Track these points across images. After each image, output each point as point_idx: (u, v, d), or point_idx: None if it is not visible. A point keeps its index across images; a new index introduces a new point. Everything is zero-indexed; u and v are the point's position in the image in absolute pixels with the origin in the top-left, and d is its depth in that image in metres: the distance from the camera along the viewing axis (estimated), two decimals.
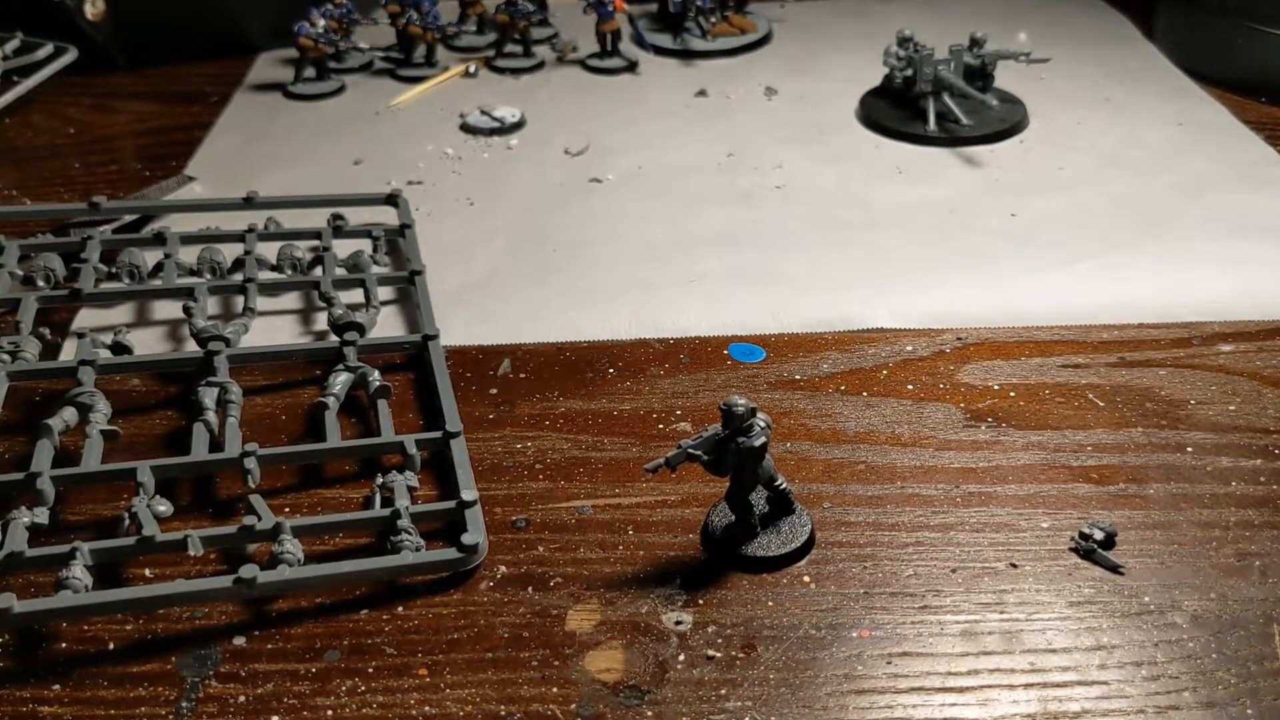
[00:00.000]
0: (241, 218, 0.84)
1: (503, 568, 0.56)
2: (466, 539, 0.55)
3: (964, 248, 0.83)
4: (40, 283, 0.77)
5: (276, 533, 0.56)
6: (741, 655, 0.51)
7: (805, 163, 0.96)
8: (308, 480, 0.62)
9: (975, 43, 1.00)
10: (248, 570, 0.53)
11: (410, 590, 0.55)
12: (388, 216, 0.86)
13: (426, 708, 0.49)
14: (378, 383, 0.67)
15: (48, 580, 0.55)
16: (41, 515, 0.58)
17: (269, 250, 0.80)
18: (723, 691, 0.50)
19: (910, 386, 0.69)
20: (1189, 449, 0.63)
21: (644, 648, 0.52)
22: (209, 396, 0.65)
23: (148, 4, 1.14)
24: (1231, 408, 0.66)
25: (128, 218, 0.86)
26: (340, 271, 0.79)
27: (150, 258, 0.79)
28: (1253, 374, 0.69)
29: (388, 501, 0.59)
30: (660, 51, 1.18)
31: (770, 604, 0.54)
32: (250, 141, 1.01)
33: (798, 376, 0.70)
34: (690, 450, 0.54)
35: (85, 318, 0.76)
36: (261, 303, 0.76)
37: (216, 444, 0.63)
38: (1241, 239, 0.83)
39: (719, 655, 0.51)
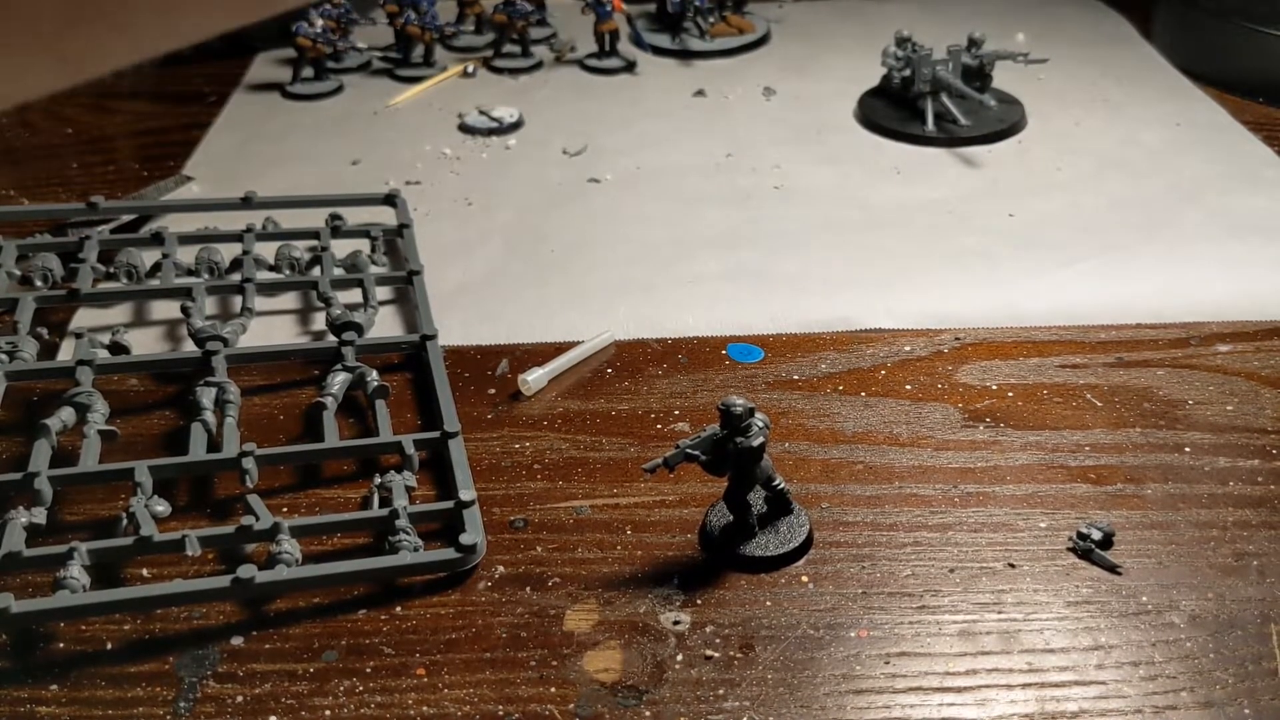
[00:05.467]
0: (239, 218, 0.84)
1: (501, 568, 0.56)
2: (464, 539, 0.55)
3: (962, 248, 0.83)
4: (38, 283, 0.77)
5: (274, 533, 0.56)
6: (739, 655, 0.51)
7: (803, 163, 0.96)
8: (306, 480, 0.62)
9: (973, 43, 1.01)
10: (245, 570, 0.53)
11: (408, 590, 0.55)
12: (386, 216, 0.86)
13: (424, 708, 0.49)
14: (376, 383, 0.67)
15: (45, 580, 0.55)
16: (39, 515, 0.58)
17: (267, 250, 0.80)
18: (721, 691, 0.50)
19: (908, 387, 0.69)
20: (1187, 449, 0.63)
21: (642, 648, 0.52)
22: (207, 396, 0.65)
23: None
24: (1229, 408, 0.66)
25: (126, 218, 0.86)
26: (338, 271, 0.79)
27: (148, 258, 0.79)
28: (1250, 374, 0.69)
29: (386, 501, 0.59)
30: (658, 52, 1.18)
31: (768, 604, 0.54)
32: (248, 141, 1.01)
33: (796, 377, 0.70)
34: (688, 450, 0.54)
35: (83, 318, 0.76)
36: (259, 303, 0.76)
37: (214, 444, 0.63)
38: (1239, 239, 0.83)
39: (717, 655, 0.51)
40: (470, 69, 1.14)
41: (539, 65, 1.16)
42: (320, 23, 1.10)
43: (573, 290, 0.79)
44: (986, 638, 0.52)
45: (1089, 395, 0.68)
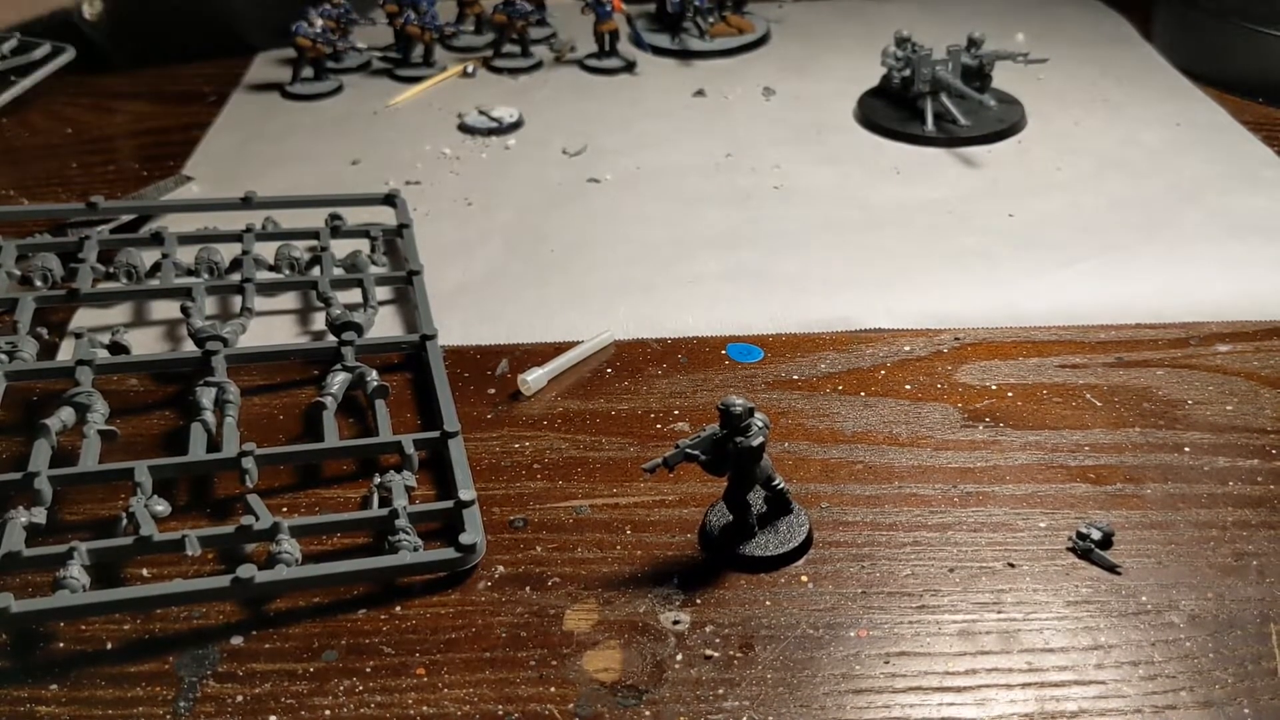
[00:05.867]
0: (239, 218, 0.84)
1: (500, 567, 0.56)
2: (464, 539, 0.55)
3: (962, 248, 0.83)
4: (38, 282, 0.77)
5: (274, 533, 0.56)
6: (739, 655, 0.51)
7: (803, 163, 0.96)
8: (305, 480, 0.62)
9: (973, 43, 1.01)
10: (245, 570, 0.53)
11: (408, 590, 0.55)
12: (386, 216, 0.86)
13: (424, 707, 0.49)
14: (375, 383, 0.67)
15: (45, 580, 0.55)
16: (39, 515, 0.58)
17: (267, 250, 0.80)
18: (720, 691, 0.50)
19: (908, 386, 0.69)
20: (1186, 449, 0.63)
21: (642, 647, 0.52)
22: (207, 396, 0.65)
23: (146, 4, 1.14)
24: (1229, 408, 0.66)
25: (125, 218, 0.86)
26: (338, 271, 0.79)
27: (148, 258, 0.79)
28: (1250, 374, 0.69)
29: (385, 501, 0.59)
30: (658, 52, 1.18)
31: (768, 604, 0.54)
32: (248, 141, 1.01)
33: (795, 376, 0.70)
34: (688, 450, 0.54)
35: (83, 318, 0.76)
36: (259, 303, 0.76)
37: (214, 444, 0.63)
38: (1239, 239, 0.83)
39: (717, 655, 0.51)
40: (470, 69, 1.14)
41: (539, 65, 1.16)
42: (320, 23, 1.10)
43: (573, 290, 0.79)
44: (986, 637, 0.52)
45: (1089, 395, 0.68)
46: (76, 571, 0.53)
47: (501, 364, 0.71)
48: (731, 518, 0.57)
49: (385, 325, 0.76)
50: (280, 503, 0.60)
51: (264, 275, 0.78)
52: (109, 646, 0.52)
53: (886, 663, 0.51)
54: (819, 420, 0.66)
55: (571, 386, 0.69)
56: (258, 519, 0.56)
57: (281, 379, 0.71)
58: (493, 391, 0.69)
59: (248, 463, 0.60)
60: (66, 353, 0.72)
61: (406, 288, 0.78)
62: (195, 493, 0.62)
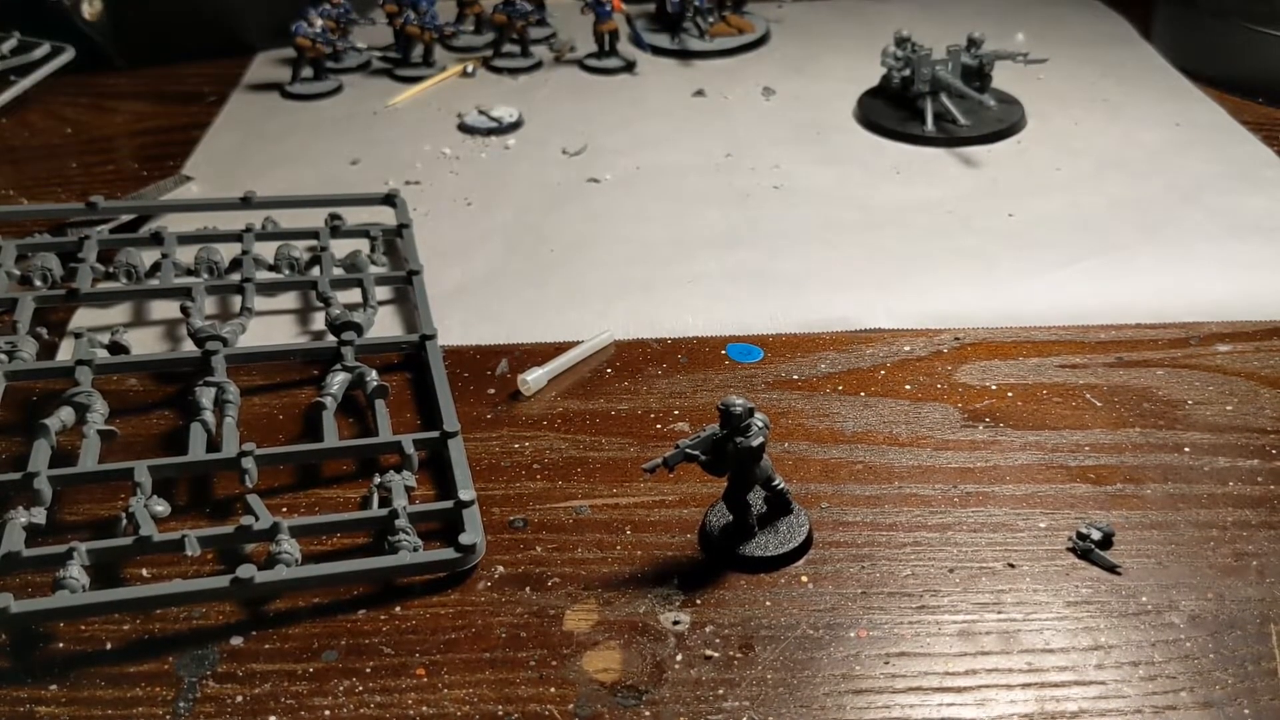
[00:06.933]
0: (239, 217, 0.84)
1: (500, 568, 0.56)
2: (464, 539, 0.55)
3: (962, 248, 0.83)
4: (37, 282, 0.77)
5: (274, 533, 0.56)
6: (739, 655, 0.51)
7: (803, 163, 0.96)
8: (305, 480, 0.62)
9: (973, 43, 1.00)
10: (245, 570, 0.53)
11: (408, 590, 0.55)
12: (385, 216, 0.86)
13: (424, 708, 0.49)
14: (375, 383, 0.67)
15: (45, 580, 0.55)
16: (39, 515, 0.58)
17: (266, 250, 0.80)
18: (720, 691, 0.50)
19: (908, 386, 0.69)
20: (1186, 449, 0.63)
21: (641, 648, 0.52)
22: (206, 396, 0.65)
23: (145, 4, 1.14)
24: (1229, 408, 0.66)
25: (125, 217, 0.86)
26: (338, 271, 0.79)
27: (148, 257, 0.79)
28: (1250, 374, 0.69)
29: (385, 501, 0.59)
30: (658, 52, 1.18)
31: (768, 604, 0.54)
32: (248, 141, 1.01)
33: (795, 376, 0.70)
34: (688, 450, 0.54)
35: (82, 317, 0.76)
36: (259, 302, 0.76)
37: (214, 444, 0.63)
38: (1238, 239, 0.83)
39: (717, 655, 0.51)
40: (470, 69, 1.14)
41: (539, 65, 1.16)
42: (319, 23, 1.10)
43: (572, 290, 0.79)
44: (986, 638, 0.52)
45: (1089, 395, 0.68)
46: (76, 572, 0.53)
47: (501, 364, 0.71)
48: (731, 518, 0.57)
49: (385, 325, 0.76)
50: (280, 503, 0.60)
51: (264, 275, 0.78)
52: (109, 647, 0.52)
53: (886, 663, 0.51)
54: (819, 420, 0.66)
55: (571, 386, 0.69)
56: (257, 519, 0.56)
57: (281, 379, 0.71)
58: (492, 391, 0.69)
59: (247, 463, 0.60)
60: (66, 353, 0.72)
61: (406, 288, 0.78)
62: (195, 493, 0.62)
